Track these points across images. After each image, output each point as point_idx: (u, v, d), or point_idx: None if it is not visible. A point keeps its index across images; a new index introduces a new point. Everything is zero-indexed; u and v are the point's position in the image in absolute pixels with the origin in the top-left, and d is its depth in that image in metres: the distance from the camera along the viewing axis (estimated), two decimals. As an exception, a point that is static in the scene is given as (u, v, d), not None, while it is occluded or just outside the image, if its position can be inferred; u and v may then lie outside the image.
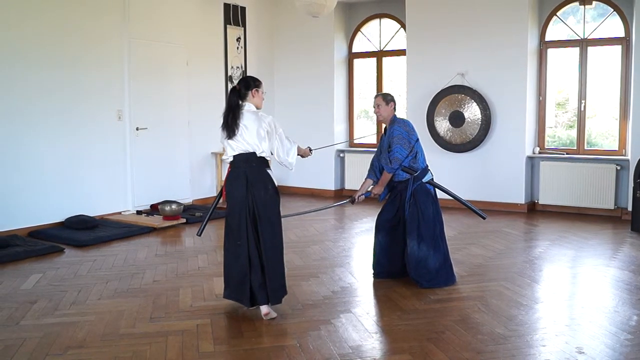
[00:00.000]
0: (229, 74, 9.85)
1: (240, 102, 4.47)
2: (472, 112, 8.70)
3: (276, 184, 4.54)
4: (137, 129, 8.30)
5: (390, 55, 10.03)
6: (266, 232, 4.39)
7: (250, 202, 4.38)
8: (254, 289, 4.38)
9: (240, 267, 4.40)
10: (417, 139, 5.27)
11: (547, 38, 8.64)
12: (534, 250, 6.47)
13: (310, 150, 5.10)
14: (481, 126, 8.64)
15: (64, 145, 7.50)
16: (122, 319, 4.39)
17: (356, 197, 5.37)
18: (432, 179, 5.35)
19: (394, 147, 5.15)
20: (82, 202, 7.67)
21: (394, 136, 5.18)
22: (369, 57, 10.28)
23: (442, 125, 8.94)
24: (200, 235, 5.16)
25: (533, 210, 8.63)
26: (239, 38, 10.01)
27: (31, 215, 7.17)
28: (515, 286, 5.08)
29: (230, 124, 4.38)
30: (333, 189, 10.21)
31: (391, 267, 5.35)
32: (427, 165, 5.36)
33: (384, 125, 5.55)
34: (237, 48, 9.99)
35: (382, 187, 5.28)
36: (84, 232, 7.06)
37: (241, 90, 4.50)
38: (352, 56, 10.40)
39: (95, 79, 7.83)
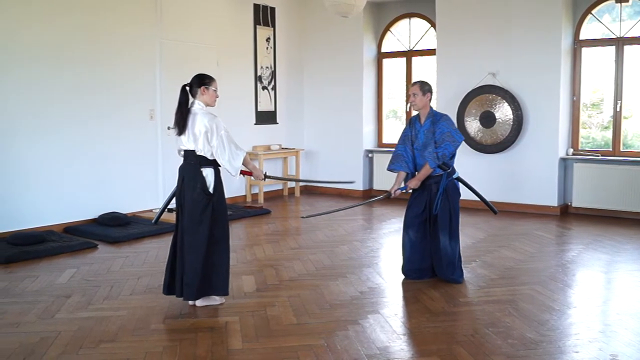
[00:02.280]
0: (259, 74, 9.90)
1: (189, 100, 4.59)
2: (503, 112, 8.61)
3: (209, 185, 4.55)
4: (169, 128, 8.36)
5: (420, 55, 9.98)
6: (186, 229, 4.53)
7: (181, 198, 4.60)
8: (176, 280, 4.60)
9: (170, 255, 4.68)
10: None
11: (582, 37, 8.51)
12: (567, 254, 6.39)
13: (265, 176, 4.95)
14: (513, 127, 8.56)
15: (98, 144, 7.62)
16: (153, 314, 4.45)
17: (392, 192, 5.35)
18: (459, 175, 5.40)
19: (444, 144, 5.14)
20: (115, 200, 7.78)
21: (444, 132, 5.16)
22: (398, 56, 10.24)
23: (473, 125, 8.88)
24: (155, 224, 5.35)
25: (566, 213, 8.52)
26: (269, 38, 10.05)
27: (66, 211, 7.31)
28: (547, 290, 5.02)
29: (179, 121, 4.54)
30: (361, 189, 10.20)
31: (422, 264, 5.32)
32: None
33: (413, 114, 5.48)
34: (267, 48, 10.03)
35: (420, 181, 5.25)
36: (117, 228, 7.16)
37: (192, 87, 4.60)
38: (381, 56, 10.38)
39: (129, 80, 7.94)
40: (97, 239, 6.79)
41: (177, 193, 4.65)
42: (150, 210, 8.23)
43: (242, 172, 4.79)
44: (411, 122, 5.44)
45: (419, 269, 5.33)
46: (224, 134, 4.55)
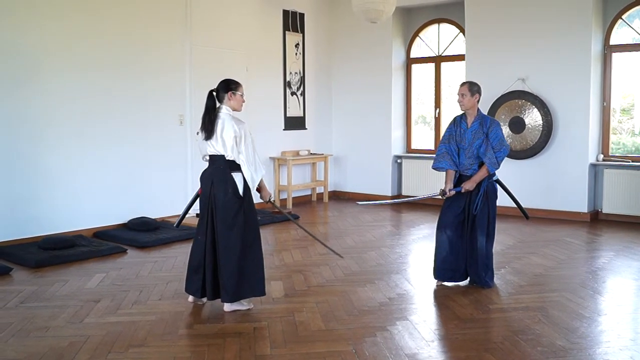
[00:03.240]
0: (288, 79, 9.94)
1: (216, 105, 4.64)
2: (533, 118, 8.53)
3: (240, 188, 4.57)
4: (198, 133, 8.42)
5: (449, 61, 9.94)
6: (220, 232, 4.57)
7: (211, 202, 4.60)
8: (206, 284, 4.62)
9: (197, 260, 4.68)
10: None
11: (612, 42, 8.40)
12: (597, 260, 6.29)
13: (270, 199, 4.97)
14: (542, 132, 8.47)
15: (128, 149, 7.71)
16: (181, 319, 4.48)
17: (447, 190, 5.32)
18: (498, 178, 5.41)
19: (502, 150, 5.19)
20: (144, 205, 7.87)
21: (499, 138, 5.19)
22: (427, 62, 10.20)
23: (502, 131, 8.79)
24: (177, 227, 5.45)
25: (596, 220, 8.40)
26: (298, 44, 10.09)
27: (96, 216, 7.40)
28: (577, 297, 4.95)
29: (207, 125, 4.59)
30: (390, 195, 10.16)
31: (457, 264, 5.29)
32: None
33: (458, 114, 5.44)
34: (296, 54, 10.07)
35: (475, 183, 5.22)
36: (146, 233, 7.23)
37: (218, 93, 4.67)
38: (410, 61, 10.35)
39: (159, 85, 8.03)
40: (126, 244, 6.86)
41: (206, 198, 4.66)
42: (179, 215, 8.28)
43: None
44: (455, 121, 5.41)
45: (454, 270, 5.30)
46: (250, 143, 4.60)
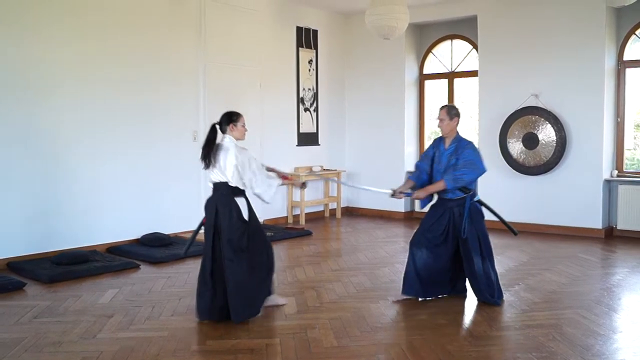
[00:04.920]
0: (301, 95, 9.99)
1: (216, 137, 4.90)
2: (546, 133, 8.50)
3: (245, 212, 4.79)
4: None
5: (462, 77, 9.94)
6: (226, 254, 4.70)
7: (217, 226, 4.77)
8: (214, 305, 4.76)
9: (203, 282, 4.81)
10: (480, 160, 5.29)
11: (626, 57, 8.38)
12: (612, 277, 6.23)
13: (303, 184, 5.49)
14: (556, 148, 8.43)
15: (142, 165, 7.76)
16: (193, 335, 4.48)
17: (397, 192, 5.38)
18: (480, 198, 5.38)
19: (463, 170, 5.14)
20: (157, 220, 7.90)
21: (466, 160, 5.16)
22: (440, 78, 10.21)
23: (515, 147, 8.78)
24: (185, 255, 5.69)
25: (611, 236, 8.33)
26: (311, 60, 10.14)
27: (110, 231, 7.44)
28: (592, 315, 4.90)
29: (205, 156, 4.82)
30: (403, 211, 10.14)
31: (430, 285, 5.31)
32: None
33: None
34: (309, 70, 10.12)
35: (427, 194, 5.29)
36: (159, 249, 7.25)
37: (222, 125, 4.96)
38: (423, 77, 10.36)
39: (172, 101, 8.09)
40: (140, 259, 6.88)
41: (211, 226, 4.80)
42: (190, 232, 8.30)
43: (283, 178, 5.18)
44: (435, 143, 5.48)
45: (422, 290, 5.30)
46: (255, 166, 4.83)
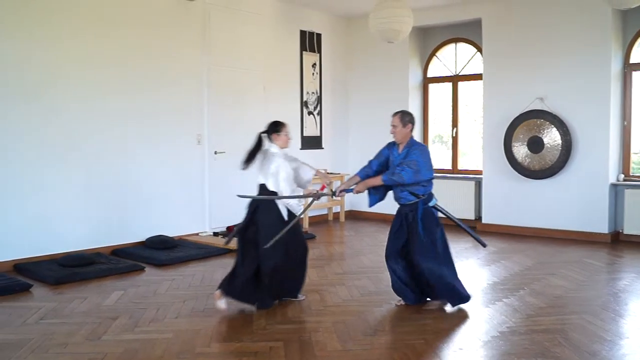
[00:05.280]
0: (304, 99, 9.99)
1: (260, 145, 5.37)
2: (551, 137, 8.48)
3: (284, 213, 5.21)
4: (216, 152, 8.51)
5: (466, 80, 9.94)
6: (262, 249, 5.04)
7: (255, 220, 5.20)
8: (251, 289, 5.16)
9: (245, 272, 5.13)
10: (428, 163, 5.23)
11: (632, 60, 8.36)
12: (618, 282, 6.21)
13: (328, 184, 5.73)
14: (561, 152, 8.41)
15: (147, 168, 7.77)
16: (198, 338, 4.48)
17: (337, 191, 5.39)
18: (437, 203, 5.31)
19: (403, 167, 5.10)
20: (162, 223, 7.91)
21: (410, 159, 5.14)
22: (444, 81, 10.21)
23: (521, 151, 8.76)
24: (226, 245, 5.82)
25: (617, 241, 8.30)
26: (315, 64, 10.15)
27: (115, 234, 7.45)
28: (598, 320, 4.88)
29: (246, 160, 5.32)
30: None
31: (421, 290, 5.31)
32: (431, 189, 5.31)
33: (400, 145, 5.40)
34: (313, 74, 10.13)
35: (365, 187, 5.30)
36: (164, 251, 7.26)
37: (267, 133, 5.39)
38: (427, 81, 10.36)
39: (177, 105, 8.10)
40: (145, 262, 6.89)
41: (250, 217, 5.25)
42: (197, 234, 8.32)
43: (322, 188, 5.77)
44: (390, 146, 5.45)
45: (414, 294, 5.29)
46: (285, 175, 5.21)
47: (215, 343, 4.39)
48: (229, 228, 8.48)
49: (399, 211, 5.35)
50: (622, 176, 8.37)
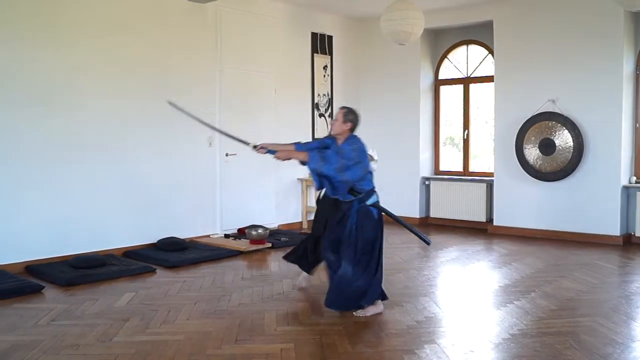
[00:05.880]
0: (316, 101, 10.00)
1: None
2: (563, 139, 8.45)
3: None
4: (227, 154, 8.53)
5: (478, 82, 9.92)
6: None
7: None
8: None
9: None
10: (361, 161, 5.10)
11: (645, 63, 8.33)
12: (630, 285, 6.17)
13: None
14: (573, 154, 8.38)
15: (158, 170, 7.80)
16: (209, 339, 4.49)
17: (259, 146, 5.30)
18: (378, 201, 5.20)
19: (330, 153, 5.06)
20: (173, 225, 7.94)
21: (341, 149, 5.10)
22: (455, 83, 10.19)
23: (532, 153, 8.73)
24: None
25: (629, 243, 8.25)
26: (326, 66, 10.16)
27: (126, 236, 7.48)
28: (610, 323, 4.86)
29: None
30: (418, 217, 10.13)
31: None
32: (374, 187, 5.22)
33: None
34: (324, 76, 10.14)
35: (287, 156, 5.25)
36: (175, 253, 7.28)
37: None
38: (438, 83, 10.35)
39: (188, 107, 8.04)
40: (156, 264, 6.92)
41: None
42: (208, 236, 8.35)
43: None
44: (332, 138, 5.38)
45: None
46: None
47: (226, 345, 4.40)
48: (239, 230, 8.50)
49: (339, 206, 5.25)
50: (634, 178, 8.31)
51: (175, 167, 7.99)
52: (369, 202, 5.17)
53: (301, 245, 6.01)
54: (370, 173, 5.28)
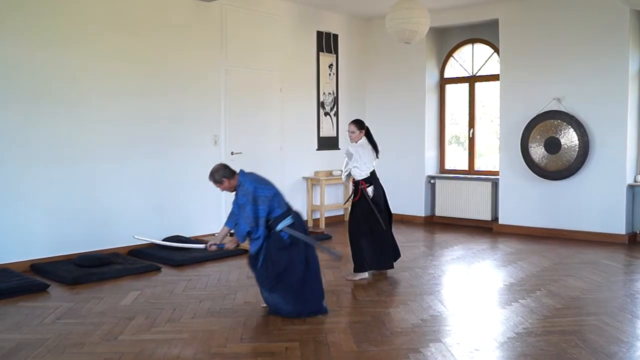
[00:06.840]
0: (321, 100, 10.00)
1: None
2: (568, 138, 8.42)
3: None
4: (232, 153, 8.54)
5: (483, 81, 9.90)
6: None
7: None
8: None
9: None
10: (259, 197, 4.99)
11: (651, 62, 8.30)
12: (635, 283, 6.15)
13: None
14: (578, 153, 8.35)
15: (163, 169, 7.82)
16: (214, 338, 4.50)
17: (208, 246, 5.22)
18: (292, 223, 5.02)
19: (235, 212, 5.08)
20: (178, 223, 7.95)
21: (239, 205, 5.06)
22: (461, 82, 10.17)
23: (537, 151, 8.71)
24: None
25: (634, 242, 8.22)
26: (331, 65, 10.15)
27: (131, 234, 7.46)
28: (615, 321, 4.84)
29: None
30: (423, 215, 10.12)
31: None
32: (285, 211, 5.04)
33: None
34: (329, 74, 10.13)
35: (235, 243, 5.20)
36: (180, 252, 7.28)
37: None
38: (443, 81, 10.33)
39: (194, 106, 8.14)
40: (161, 262, 6.93)
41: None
42: (213, 234, 8.35)
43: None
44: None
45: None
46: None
47: (231, 343, 4.40)
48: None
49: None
50: (639, 177, 8.28)
51: (180, 165, 8.00)
52: (278, 227, 5.01)
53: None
54: (278, 197, 5.06)
